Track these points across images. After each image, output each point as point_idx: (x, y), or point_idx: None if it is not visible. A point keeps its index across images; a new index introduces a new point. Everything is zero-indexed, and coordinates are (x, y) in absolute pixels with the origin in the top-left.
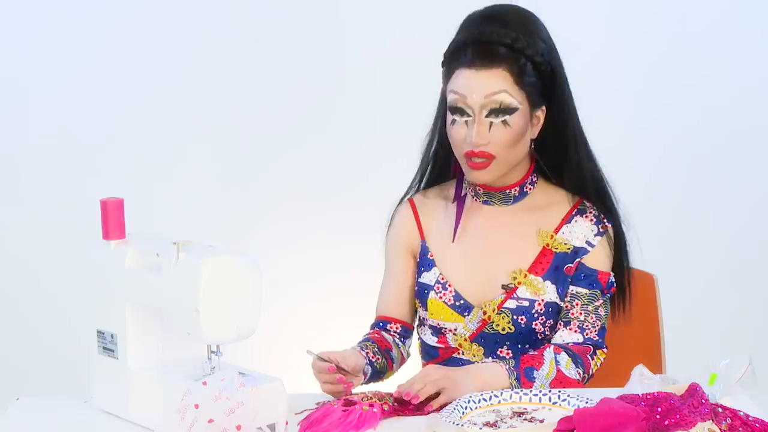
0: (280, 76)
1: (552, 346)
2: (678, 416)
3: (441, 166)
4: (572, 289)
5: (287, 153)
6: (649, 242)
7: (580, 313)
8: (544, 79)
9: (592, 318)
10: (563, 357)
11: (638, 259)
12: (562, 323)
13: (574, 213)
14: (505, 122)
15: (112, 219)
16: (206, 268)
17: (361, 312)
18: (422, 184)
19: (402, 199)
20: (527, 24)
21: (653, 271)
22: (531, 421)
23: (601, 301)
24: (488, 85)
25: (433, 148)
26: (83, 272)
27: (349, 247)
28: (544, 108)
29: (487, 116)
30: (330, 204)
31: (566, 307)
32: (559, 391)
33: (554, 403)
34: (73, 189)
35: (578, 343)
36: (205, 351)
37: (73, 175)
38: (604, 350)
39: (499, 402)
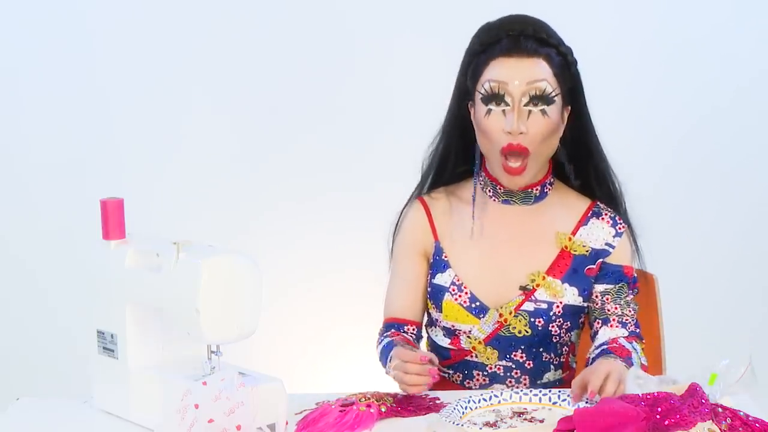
0: (278, 77)
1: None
2: (678, 416)
3: (451, 167)
4: (599, 287)
5: (287, 153)
6: (649, 242)
7: (615, 308)
8: (571, 78)
9: (629, 311)
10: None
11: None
12: (599, 322)
13: (589, 215)
14: (543, 111)
15: (112, 219)
16: (206, 268)
17: (360, 311)
18: (428, 184)
19: (410, 199)
20: (550, 28)
21: (653, 271)
22: (531, 421)
23: (631, 294)
24: (531, 72)
25: (443, 147)
26: (83, 272)
27: (348, 247)
28: (569, 108)
29: (526, 104)
30: (329, 204)
31: (596, 306)
32: (560, 391)
33: (554, 403)
34: (73, 189)
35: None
36: (205, 351)
37: (73, 175)
38: (643, 342)
39: (499, 402)
